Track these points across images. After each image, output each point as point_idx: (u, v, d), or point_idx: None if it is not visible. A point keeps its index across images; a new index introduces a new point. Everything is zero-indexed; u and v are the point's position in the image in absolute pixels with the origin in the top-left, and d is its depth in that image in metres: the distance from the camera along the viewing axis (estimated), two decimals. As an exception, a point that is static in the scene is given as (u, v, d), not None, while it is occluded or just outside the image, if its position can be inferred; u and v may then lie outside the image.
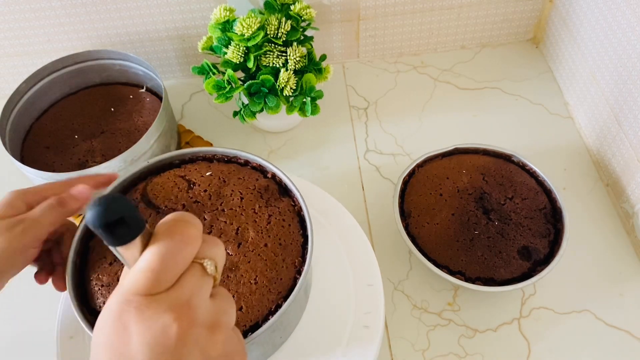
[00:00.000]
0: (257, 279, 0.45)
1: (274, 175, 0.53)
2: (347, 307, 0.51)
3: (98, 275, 0.46)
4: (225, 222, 0.48)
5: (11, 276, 0.43)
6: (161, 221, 0.31)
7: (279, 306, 0.45)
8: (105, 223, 0.27)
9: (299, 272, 0.47)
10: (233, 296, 0.45)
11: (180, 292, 0.29)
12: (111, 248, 0.29)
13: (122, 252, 0.29)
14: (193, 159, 0.54)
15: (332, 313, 0.51)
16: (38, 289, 0.66)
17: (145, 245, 0.29)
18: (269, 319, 0.44)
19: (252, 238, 0.47)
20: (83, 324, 0.43)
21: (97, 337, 0.29)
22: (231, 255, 0.46)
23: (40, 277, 0.48)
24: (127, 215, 0.27)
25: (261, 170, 0.53)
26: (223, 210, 0.49)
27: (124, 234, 0.28)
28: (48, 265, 0.48)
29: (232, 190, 0.50)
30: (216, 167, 0.53)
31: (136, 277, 0.28)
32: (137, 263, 0.29)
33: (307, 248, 0.48)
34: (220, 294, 0.32)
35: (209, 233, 0.47)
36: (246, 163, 0.54)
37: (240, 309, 0.44)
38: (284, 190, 0.52)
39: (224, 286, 0.44)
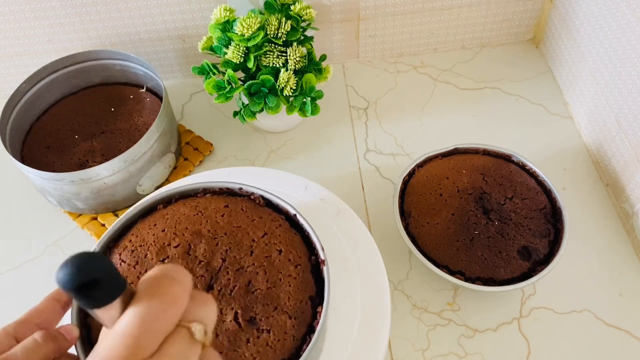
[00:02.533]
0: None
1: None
2: (353, 306, 0.51)
3: None
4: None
5: None
6: (143, 277, 0.27)
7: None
8: (77, 285, 0.24)
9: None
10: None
11: None
12: (87, 310, 0.26)
13: (99, 314, 0.26)
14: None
15: (338, 313, 0.51)
16: (45, 291, 0.66)
17: (126, 305, 0.26)
18: None
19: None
20: None
21: None
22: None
23: None
24: (103, 276, 0.25)
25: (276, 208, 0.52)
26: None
27: (100, 297, 0.25)
28: None
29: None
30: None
31: (114, 343, 0.25)
32: (115, 326, 0.26)
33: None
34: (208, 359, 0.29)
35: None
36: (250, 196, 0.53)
37: None
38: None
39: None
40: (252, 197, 0.53)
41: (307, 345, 0.43)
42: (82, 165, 0.70)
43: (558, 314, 0.60)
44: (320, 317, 0.44)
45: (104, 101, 0.76)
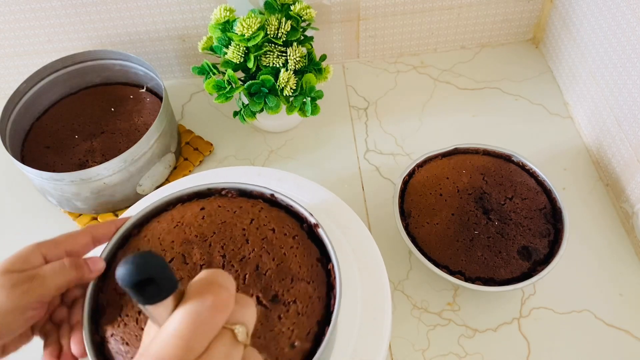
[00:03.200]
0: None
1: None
2: (354, 306, 0.51)
3: (114, 333, 0.44)
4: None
5: (7, 338, 0.39)
6: (193, 281, 0.30)
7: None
8: (135, 282, 0.26)
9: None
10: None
11: None
12: (139, 305, 0.28)
13: (151, 310, 0.28)
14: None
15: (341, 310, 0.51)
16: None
17: (176, 305, 0.28)
18: None
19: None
20: None
21: None
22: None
23: (48, 353, 0.43)
24: (159, 275, 0.27)
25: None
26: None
27: (154, 294, 0.27)
28: (54, 341, 0.43)
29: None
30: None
31: (166, 343, 0.27)
32: (167, 325, 0.28)
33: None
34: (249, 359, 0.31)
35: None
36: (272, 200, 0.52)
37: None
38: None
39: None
40: (223, 192, 0.53)
41: (334, 300, 0.45)
42: (82, 165, 0.70)
43: (558, 314, 0.60)
44: (334, 272, 0.46)
45: (104, 101, 0.76)
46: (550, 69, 0.83)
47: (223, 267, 0.46)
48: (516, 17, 0.83)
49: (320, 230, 0.48)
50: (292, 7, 0.67)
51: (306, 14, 0.67)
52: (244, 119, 0.69)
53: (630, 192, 0.64)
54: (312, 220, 0.49)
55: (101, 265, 0.44)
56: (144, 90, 0.77)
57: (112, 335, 0.44)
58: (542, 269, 0.57)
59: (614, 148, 0.67)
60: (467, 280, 0.57)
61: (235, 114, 0.70)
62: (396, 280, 0.63)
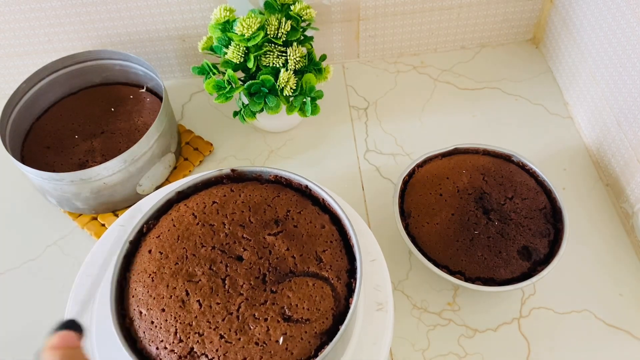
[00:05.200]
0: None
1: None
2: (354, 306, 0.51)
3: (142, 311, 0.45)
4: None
5: None
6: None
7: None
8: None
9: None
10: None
11: None
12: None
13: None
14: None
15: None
16: (46, 291, 0.66)
17: None
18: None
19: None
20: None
21: None
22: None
23: None
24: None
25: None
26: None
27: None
28: None
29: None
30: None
31: None
32: None
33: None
34: None
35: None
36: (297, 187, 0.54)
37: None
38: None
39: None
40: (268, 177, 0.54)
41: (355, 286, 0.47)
42: (82, 165, 0.70)
43: (558, 314, 0.60)
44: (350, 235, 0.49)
45: (104, 101, 0.76)
46: (550, 69, 0.83)
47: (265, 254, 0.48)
48: (516, 17, 0.83)
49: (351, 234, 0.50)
50: (292, 7, 0.67)
51: (306, 14, 0.67)
52: (244, 119, 0.69)
53: (630, 192, 0.64)
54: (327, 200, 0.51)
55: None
56: (144, 90, 0.77)
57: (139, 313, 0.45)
58: (542, 269, 0.57)
59: (614, 148, 0.67)
60: (467, 280, 0.57)
61: (235, 114, 0.70)
62: (396, 280, 0.63)
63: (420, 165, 0.66)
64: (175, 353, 0.43)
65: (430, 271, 0.58)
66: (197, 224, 0.49)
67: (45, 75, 0.74)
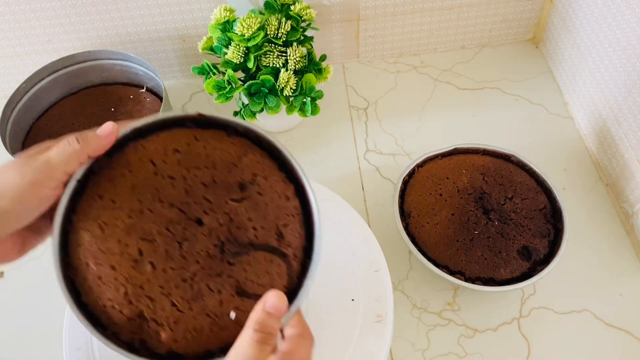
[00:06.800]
0: None
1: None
2: (355, 293, 0.51)
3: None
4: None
5: (24, 218, 0.39)
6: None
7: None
8: None
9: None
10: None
11: None
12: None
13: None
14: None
15: (340, 313, 0.51)
16: (47, 291, 0.66)
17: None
18: None
19: None
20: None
21: None
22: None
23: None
24: None
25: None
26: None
27: None
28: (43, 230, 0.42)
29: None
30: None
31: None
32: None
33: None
34: None
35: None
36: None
37: None
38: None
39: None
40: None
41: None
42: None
43: (558, 314, 0.60)
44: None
45: (104, 101, 0.76)
46: (550, 69, 0.83)
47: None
48: (516, 17, 0.83)
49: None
50: (292, 7, 0.67)
51: (306, 14, 0.67)
52: (244, 119, 0.69)
53: (630, 192, 0.64)
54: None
55: (110, 129, 0.41)
56: (144, 90, 0.77)
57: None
58: (542, 269, 0.57)
59: (614, 148, 0.67)
60: (467, 280, 0.57)
61: (235, 114, 0.70)
62: (396, 280, 0.63)
63: (420, 165, 0.66)
64: (123, 314, 0.41)
65: (430, 271, 0.58)
66: (156, 174, 0.44)
67: (45, 75, 0.74)
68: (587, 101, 0.73)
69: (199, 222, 0.43)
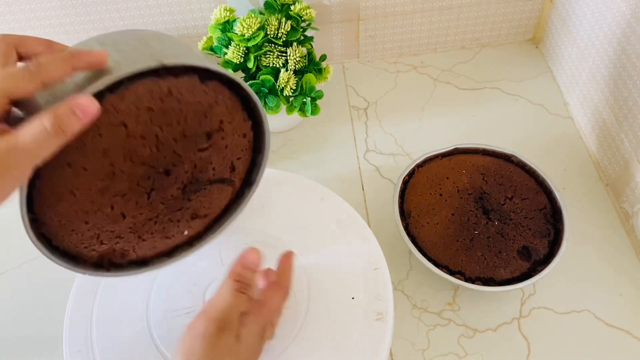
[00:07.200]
0: None
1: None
2: (356, 292, 0.52)
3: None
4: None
5: None
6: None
7: None
8: None
9: None
10: None
11: None
12: None
13: None
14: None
15: (340, 313, 0.51)
16: (47, 291, 0.66)
17: None
18: None
19: None
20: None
21: None
22: None
23: None
24: None
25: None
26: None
27: None
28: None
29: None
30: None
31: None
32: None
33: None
34: None
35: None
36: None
37: None
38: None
39: None
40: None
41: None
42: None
43: (558, 314, 0.60)
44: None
45: (104, 101, 0.76)
46: (550, 69, 0.83)
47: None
48: (516, 17, 0.83)
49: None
50: (292, 7, 0.67)
51: (306, 14, 0.67)
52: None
53: (630, 192, 0.64)
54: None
55: (93, 109, 0.37)
56: (144, 90, 0.77)
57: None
58: (542, 269, 0.57)
59: (614, 148, 0.67)
60: (467, 280, 0.57)
61: (235, 114, 0.70)
62: (396, 280, 0.63)
63: (420, 165, 0.66)
64: (95, 251, 0.45)
65: (430, 271, 0.58)
66: (128, 136, 0.42)
67: (45, 75, 0.74)
68: (587, 101, 0.73)
69: (167, 173, 0.45)
